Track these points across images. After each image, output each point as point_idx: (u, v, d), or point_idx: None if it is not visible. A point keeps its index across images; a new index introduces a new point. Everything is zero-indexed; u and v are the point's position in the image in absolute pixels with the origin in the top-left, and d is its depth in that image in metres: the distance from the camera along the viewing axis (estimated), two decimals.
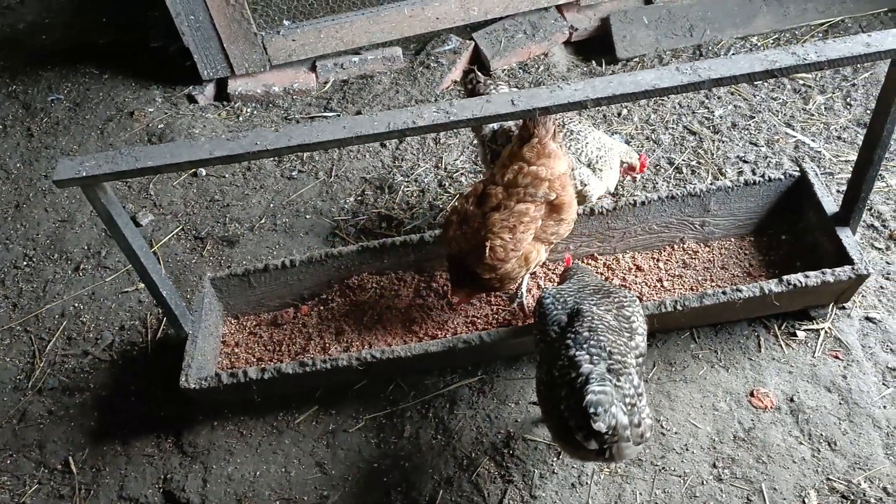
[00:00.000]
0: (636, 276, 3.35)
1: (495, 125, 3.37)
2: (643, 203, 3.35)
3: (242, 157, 2.52)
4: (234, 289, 3.43)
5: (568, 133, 3.32)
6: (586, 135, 3.33)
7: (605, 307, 2.61)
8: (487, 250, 2.89)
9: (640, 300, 3.22)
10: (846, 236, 3.07)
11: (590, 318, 2.53)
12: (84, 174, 2.53)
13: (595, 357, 2.38)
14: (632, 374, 2.38)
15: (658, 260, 3.40)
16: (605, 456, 2.32)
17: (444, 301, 3.39)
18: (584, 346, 2.42)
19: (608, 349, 2.41)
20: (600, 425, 2.17)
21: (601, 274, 3.37)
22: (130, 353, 3.55)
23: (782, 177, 3.36)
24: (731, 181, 3.39)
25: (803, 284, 2.94)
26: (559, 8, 4.89)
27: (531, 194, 2.90)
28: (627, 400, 2.30)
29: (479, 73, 3.43)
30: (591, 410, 2.17)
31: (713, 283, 3.29)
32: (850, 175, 3.66)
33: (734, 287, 2.96)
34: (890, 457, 2.80)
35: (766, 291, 2.94)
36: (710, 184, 3.42)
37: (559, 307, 2.64)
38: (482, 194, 2.97)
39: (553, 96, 2.50)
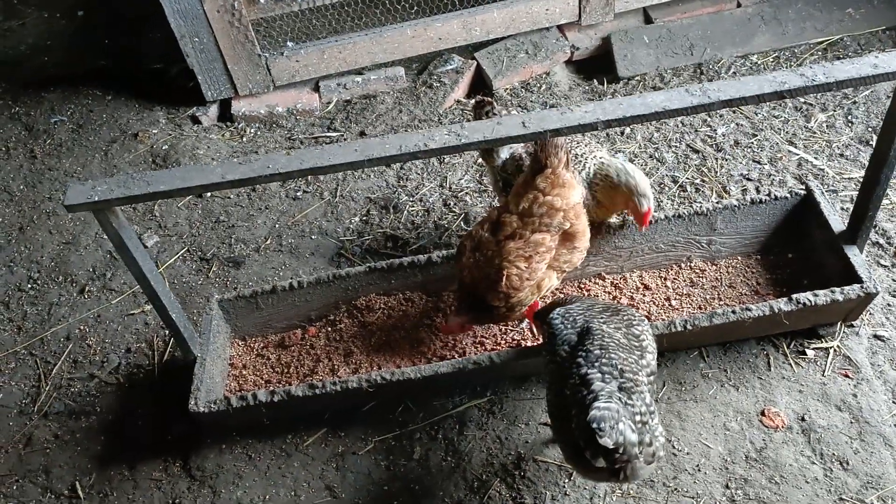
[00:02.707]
0: (644, 295, 3.35)
1: (506, 154, 3.38)
2: (650, 222, 3.35)
3: (254, 180, 2.52)
4: (242, 310, 3.43)
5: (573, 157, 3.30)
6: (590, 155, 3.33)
7: (615, 325, 2.61)
8: (504, 279, 2.90)
9: (649, 319, 3.23)
10: (854, 255, 3.08)
11: (600, 336, 2.53)
12: (96, 199, 2.53)
13: (607, 376, 2.37)
14: (644, 391, 2.38)
15: (665, 279, 3.40)
16: (617, 476, 2.31)
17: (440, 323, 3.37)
18: (596, 364, 2.42)
19: (620, 367, 2.41)
20: (606, 440, 2.16)
21: (609, 294, 3.37)
22: (137, 376, 3.53)
23: (788, 195, 3.38)
24: (737, 200, 3.40)
25: (813, 303, 2.95)
26: (560, 28, 4.92)
27: (546, 224, 2.91)
28: (638, 418, 2.30)
29: (495, 103, 3.40)
30: (595, 426, 2.17)
31: (721, 302, 3.29)
32: (854, 192, 3.70)
33: (744, 306, 2.96)
34: None
35: (776, 310, 2.95)
36: (717, 202, 3.44)
37: (568, 326, 2.64)
38: (497, 222, 2.97)
39: (563, 118, 2.51)
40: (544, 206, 2.89)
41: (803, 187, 3.41)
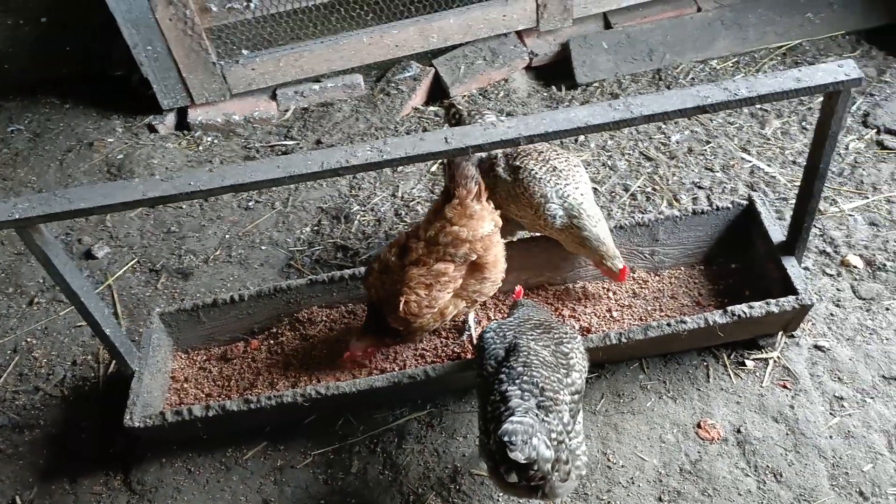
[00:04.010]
0: (585, 307, 3.34)
1: (482, 155, 3.24)
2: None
3: (175, 198, 2.51)
4: (184, 324, 3.41)
5: (552, 169, 3.19)
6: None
7: (543, 343, 2.60)
8: (402, 304, 2.90)
9: (590, 332, 3.22)
10: (791, 265, 3.07)
11: (525, 353, 2.53)
12: (17, 216, 2.52)
13: (526, 393, 2.37)
14: (562, 411, 2.37)
15: (608, 290, 3.39)
16: (535, 493, 2.31)
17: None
18: (517, 381, 2.41)
19: (541, 385, 2.40)
20: (517, 455, 2.16)
21: (551, 305, 3.36)
22: (82, 389, 3.52)
23: (731, 206, 3.37)
24: (679, 210, 3.40)
25: (747, 315, 2.94)
26: (519, 34, 4.91)
27: (451, 254, 2.91)
28: (554, 436, 2.29)
29: (460, 106, 3.38)
30: (506, 439, 2.17)
31: (662, 313, 3.28)
32: None
33: (679, 318, 2.96)
34: (835, 488, 2.79)
35: (711, 322, 2.94)
36: (659, 213, 3.43)
37: (498, 341, 2.64)
38: (404, 247, 2.97)
39: (486, 134, 2.50)
40: (450, 235, 2.89)
41: (746, 198, 3.40)
